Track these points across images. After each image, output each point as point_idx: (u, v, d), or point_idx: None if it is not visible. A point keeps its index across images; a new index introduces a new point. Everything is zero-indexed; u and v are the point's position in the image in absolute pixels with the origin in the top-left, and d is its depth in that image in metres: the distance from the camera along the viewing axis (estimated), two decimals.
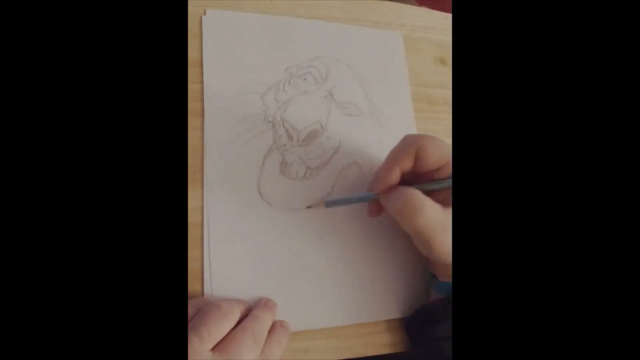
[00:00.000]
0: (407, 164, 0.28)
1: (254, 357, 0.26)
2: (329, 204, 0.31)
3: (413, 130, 0.38)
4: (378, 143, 0.36)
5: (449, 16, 0.44)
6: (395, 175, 0.29)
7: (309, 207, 0.32)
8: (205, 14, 0.36)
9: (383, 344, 0.32)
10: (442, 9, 0.44)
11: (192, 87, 0.34)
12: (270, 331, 0.28)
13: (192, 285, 0.30)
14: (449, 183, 0.28)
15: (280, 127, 0.34)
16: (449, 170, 0.28)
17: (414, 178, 0.30)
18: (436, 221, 0.26)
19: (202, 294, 0.29)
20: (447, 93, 0.40)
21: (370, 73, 0.38)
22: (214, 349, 0.25)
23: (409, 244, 0.32)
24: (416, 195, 0.27)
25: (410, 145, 0.28)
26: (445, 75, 0.41)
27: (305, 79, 0.36)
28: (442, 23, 0.43)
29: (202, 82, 0.34)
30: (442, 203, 0.27)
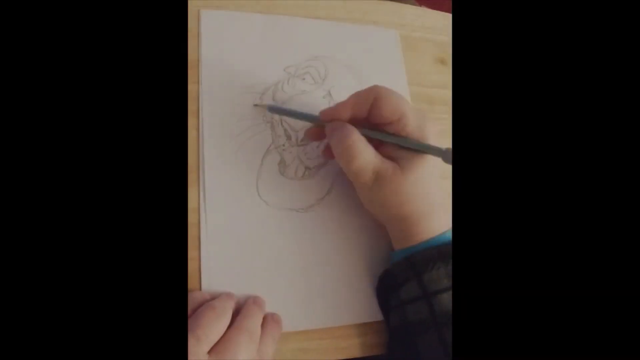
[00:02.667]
0: (362, 109, 0.29)
1: (251, 355, 0.26)
2: (272, 109, 0.32)
3: None
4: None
5: (449, 16, 0.43)
6: (346, 114, 0.30)
7: (255, 105, 0.33)
8: (203, 13, 0.36)
9: (382, 344, 0.32)
10: (442, 9, 0.44)
11: (189, 87, 0.33)
12: (263, 326, 0.28)
13: (191, 285, 0.29)
14: (395, 139, 0.29)
15: (279, 127, 0.34)
16: (403, 124, 0.29)
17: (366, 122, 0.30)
18: (368, 166, 0.28)
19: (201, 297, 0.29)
20: (447, 93, 0.40)
21: (368, 72, 0.38)
22: (210, 351, 0.25)
23: None
24: (357, 142, 0.28)
25: (370, 92, 0.29)
26: (445, 75, 0.41)
27: (304, 79, 0.36)
28: (442, 23, 0.43)
29: (198, 82, 0.34)
30: (385, 155, 0.29)
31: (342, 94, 0.36)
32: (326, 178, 0.34)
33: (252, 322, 0.27)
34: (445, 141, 0.38)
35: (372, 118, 0.29)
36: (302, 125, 0.34)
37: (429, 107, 0.39)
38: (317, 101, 0.35)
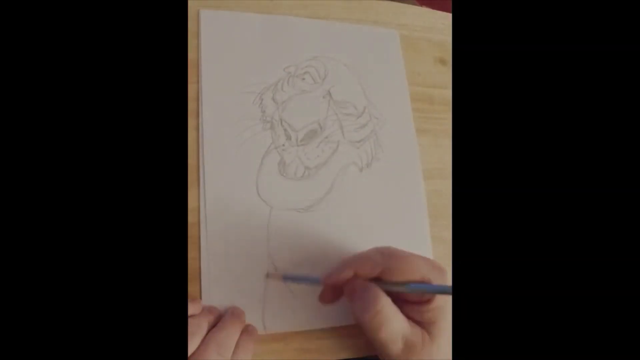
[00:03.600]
0: (367, 275, 0.26)
1: None
2: (287, 278, 0.30)
3: (412, 128, 0.37)
4: (377, 142, 0.36)
5: (449, 16, 0.43)
6: (348, 275, 0.26)
7: (267, 276, 0.30)
8: (203, 13, 0.36)
9: None
10: (442, 9, 0.44)
11: (189, 87, 0.33)
12: (239, 338, 0.28)
13: (190, 285, 0.29)
14: (417, 287, 0.25)
15: (279, 127, 0.34)
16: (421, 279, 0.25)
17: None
18: (398, 336, 0.25)
19: (200, 294, 0.29)
20: (447, 93, 0.40)
21: (368, 72, 0.38)
22: None
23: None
24: (386, 307, 0.25)
25: (378, 262, 0.26)
26: (445, 75, 0.41)
27: (303, 79, 0.36)
28: (442, 23, 0.43)
29: (198, 82, 0.34)
30: (410, 318, 0.26)
31: (342, 94, 0.36)
32: (326, 178, 0.34)
33: (224, 334, 0.27)
34: (445, 141, 0.38)
35: (384, 276, 0.26)
36: (302, 126, 0.34)
37: (429, 107, 0.39)
38: (316, 101, 0.35)
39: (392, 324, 0.25)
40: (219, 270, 0.30)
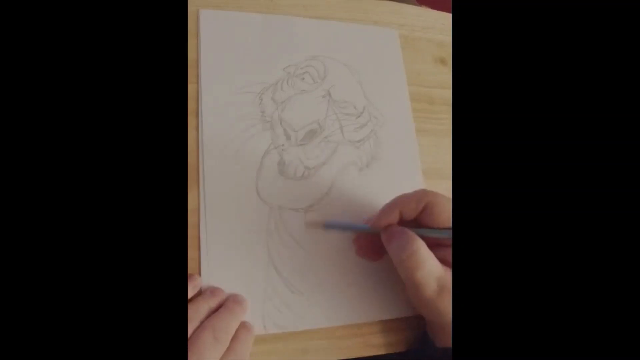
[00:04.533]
0: (411, 213, 0.28)
1: (217, 354, 0.26)
2: (329, 225, 0.30)
3: (411, 128, 0.37)
4: (377, 141, 0.36)
5: (449, 16, 0.43)
6: (395, 217, 0.29)
7: (307, 225, 0.31)
8: (202, 13, 0.36)
9: (381, 344, 0.32)
10: (442, 9, 0.44)
11: (189, 87, 0.33)
12: (236, 330, 0.28)
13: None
14: (450, 234, 0.28)
15: (279, 127, 0.34)
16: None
17: (417, 223, 0.29)
18: (432, 277, 0.26)
19: (200, 293, 0.29)
20: (447, 93, 0.40)
21: (367, 71, 0.38)
22: None
23: None
24: (422, 248, 0.27)
25: (421, 199, 0.28)
26: (445, 75, 0.41)
27: (303, 79, 0.36)
28: (442, 23, 0.43)
29: (198, 82, 0.34)
30: (442, 261, 0.27)
31: (341, 94, 0.36)
32: (326, 178, 0.34)
33: (221, 320, 0.27)
34: (444, 141, 0.38)
35: (421, 222, 0.28)
36: (301, 125, 0.34)
37: (429, 107, 0.39)
38: (316, 100, 0.35)
39: (427, 265, 0.26)
40: (219, 270, 0.30)
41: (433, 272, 0.27)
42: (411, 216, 0.28)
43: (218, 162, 0.32)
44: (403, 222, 0.29)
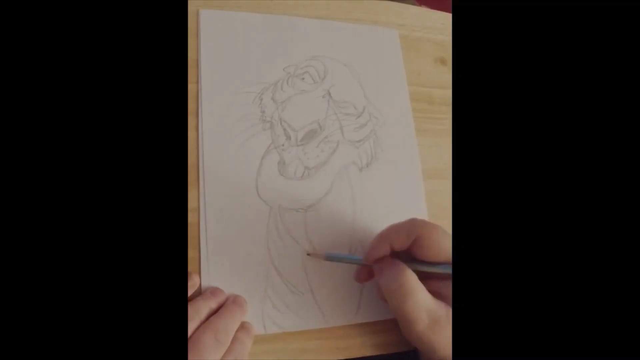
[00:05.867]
0: (402, 246, 0.28)
1: (217, 355, 0.26)
2: (329, 257, 0.30)
3: (411, 128, 0.37)
4: (377, 141, 0.36)
5: (449, 16, 0.43)
6: (386, 249, 0.28)
7: (308, 254, 0.31)
8: (202, 13, 0.36)
9: (382, 344, 0.32)
10: (442, 9, 0.44)
11: (189, 87, 0.33)
12: (236, 330, 0.28)
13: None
14: (444, 268, 0.27)
15: (278, 127, 0.34)
16: (446, 259, 0.27)
17: (409, 254, 0.29)
18: (422, 309, 0.26)
19: (200, 293, 0.29)
20: (447, 93, 0.40)
21: (367, 71, 0.38)
22: None
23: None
24: (412, 279, 0.27)
25: (411, 231, 0.27)
26: (445, 75, 0.41)
27: (303, 79, 0.36)
28: (442, 23, 0.43)
29: (198, 82, 0.34)
30: (434, 294, 0.27)
31: (341, 94, 0.36)
32: (326, 178, 0.34)
33: (222, 321, 0.27)
34: (444, 141, 0.38)
35: (413, 253, 0.28)
36: (301, 125, 0.34)
37: (429, 107, 0.39)
38: (316, 100, 0.35)
39: (417, 296, 0.26)
40: (219, 270, 0.30)
41: (423, 304, 0.26)
42: (402, 248, 0.28)
43: (218, 162, 0.32)
44: (395, 253, 0.29)
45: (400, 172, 0.36)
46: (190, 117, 0.33)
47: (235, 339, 0.27)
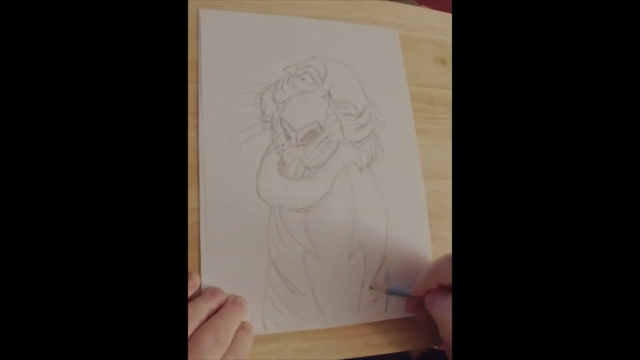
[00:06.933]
0: (446, 281, 0.29)
1: (217, 355, 0.26)
2: (390, 292, 0.32)
3: (411, 128, 0.37)
4: (377, 141, 0.36)
5: (449, 16, 0.43)
6: (434, 284, 0.30)
7: (371, 288, 0.32)
8: (202, 13, 0.36)
9: (382, 344, 0.32)
10: (442, 9, 0.44)
11: (189, 87, 0.33)
12: (236, 331, 0.28)
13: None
14: None
15: (279, 127, 0.34)
16: None
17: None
18: None
19: (199, 293, 0.29)
20: (447, 93, 0.40)
21: (368, 71, 0.38)
22: None
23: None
24: None
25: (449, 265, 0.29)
26: (445, 75, 0.41)
27: (303, 79, 0.36)
28: (442, 23, 0.43)
29: (198, 82, 0.34)
30: None
31: (341, 94, 0.36)
32: (326, 178, 0.34)
33: (222, 321, 0.27)
34: (444, 141, 0.38)
35: None
36: (302, 126, 0.34)
37: (429, 107, 0.39)
38: (316, 101, 0.35)
39: None
40: (219, 270, 0.30)
41: None
42: (448, 282, 0.29)
43: (218, 162, 0.32)
44: (442, 287, 0.30)
45: (400, 172, 0.36)
46: (190, 117, 0.33)
47: (235, 339, 0.28)
